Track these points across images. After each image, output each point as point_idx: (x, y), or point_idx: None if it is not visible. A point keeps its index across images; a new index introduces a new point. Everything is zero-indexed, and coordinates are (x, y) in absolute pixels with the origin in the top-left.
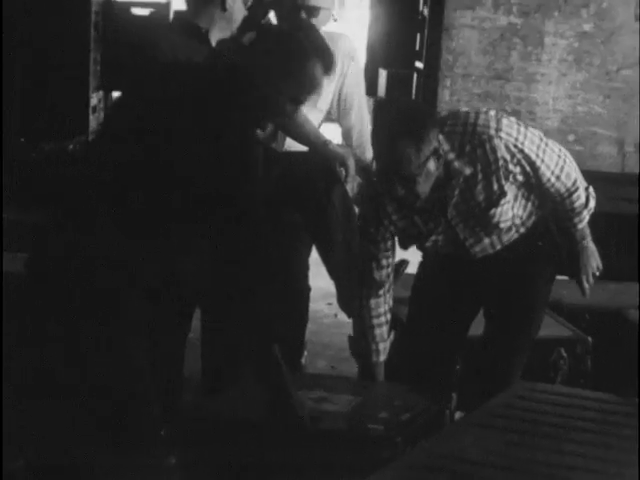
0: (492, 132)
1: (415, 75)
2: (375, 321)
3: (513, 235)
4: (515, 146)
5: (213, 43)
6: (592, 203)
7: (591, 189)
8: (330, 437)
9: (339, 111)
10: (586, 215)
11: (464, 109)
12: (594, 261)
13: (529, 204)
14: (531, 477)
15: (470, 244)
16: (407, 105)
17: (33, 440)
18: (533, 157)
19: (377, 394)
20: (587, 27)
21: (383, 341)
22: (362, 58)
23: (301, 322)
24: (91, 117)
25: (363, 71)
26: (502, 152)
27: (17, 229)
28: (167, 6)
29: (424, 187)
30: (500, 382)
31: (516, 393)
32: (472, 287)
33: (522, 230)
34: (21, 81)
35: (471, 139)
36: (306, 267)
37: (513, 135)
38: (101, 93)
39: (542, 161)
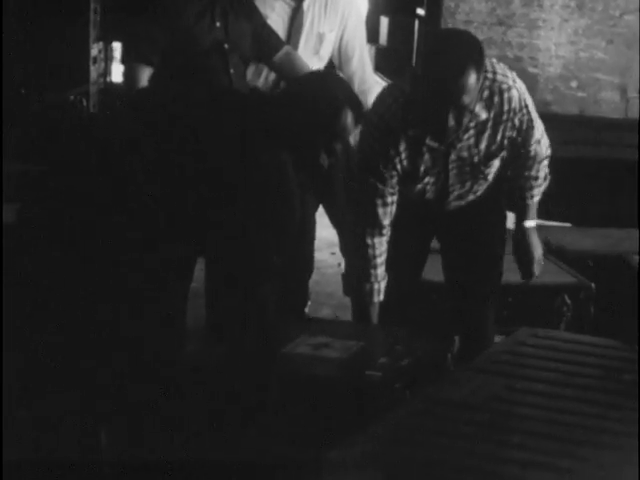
0: (511, 82)
1: (417, 22)
2: (378, 260)
3: (483, 188)
4: (524, 100)
5: None
6: (546, 182)
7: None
8: (327, 384)
9: (340, 58)
10: (543, 188)
11: None
12: (540, 249)
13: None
14: (533, 423)
15: (452, 190)
16: (468, 35)
17: (35, 434)
18: (533, 115)
19: (379, 339)
20: None
21: (383, 280)
22: (364, 5)
23: (305, 271)
24: (92, 68)
25: (364, 18)
26: (515, 104)
27: (18, 180)
28: None
29: (466, 119)
30: (475, 326)
31: (519, 339)
32: (430, 224)
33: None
34: (21, 32)
35: (491, 85)
36: (313, 218)
37: (523, 90)
38: (101, 44)
39: (535, 121)
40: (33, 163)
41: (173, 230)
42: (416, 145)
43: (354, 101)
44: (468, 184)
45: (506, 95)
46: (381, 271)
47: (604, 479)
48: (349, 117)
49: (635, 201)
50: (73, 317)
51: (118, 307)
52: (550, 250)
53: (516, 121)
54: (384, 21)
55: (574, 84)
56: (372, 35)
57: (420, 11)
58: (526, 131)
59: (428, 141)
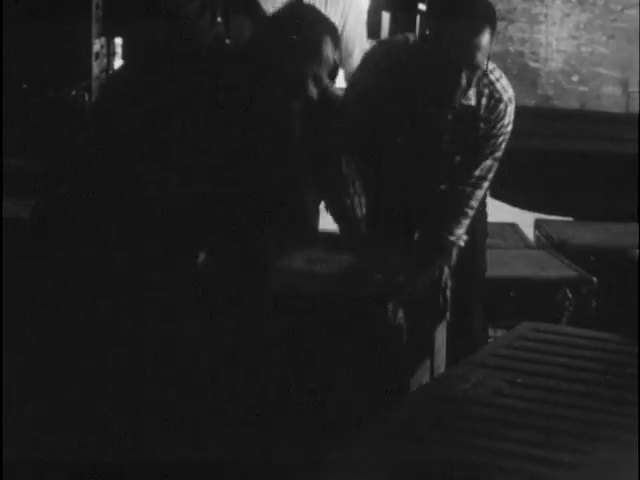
0: (505, 98)
1: (418, 17)
2: (353, 174)
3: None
4: (504, 127)
5: None
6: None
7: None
8: (315, 301)
9: (341, 54)
10: (465, 225)
11: None
12: None
13: None
14: (534, 417)
15: (412, 169)
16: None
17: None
18: (499, 150)
19: (376, 254)
20: None
21: (362, 195)
22: (364, 0)
23: None
24: (94, 63)
25: (365, 14)
26: (495, 115)
27: (19, 176)
28: None
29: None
30: (462, 314)
31: (520, 333)
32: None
33: None
34: (22, 27)
35: (487, 85)
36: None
37: (511, 119)
38: (104, 39)
39: (495, 159)
40: (33, 159)
41: (174, 224)
42: (407, 95)
43: (331, 28)
44: (428, 170)
45: (493, 102)
46: (358, 186)
47: (606, 473)
48: (329, 44)
49: (636, 195)
50: (74, 315)
51: (118, 304)
52: (552, 244)
53: (488, 137)
54: (385, 16)
55: (575, 79)
56: (373, 30)
57: (421, 6)
58: (480, 152)
59: (420, 105)
